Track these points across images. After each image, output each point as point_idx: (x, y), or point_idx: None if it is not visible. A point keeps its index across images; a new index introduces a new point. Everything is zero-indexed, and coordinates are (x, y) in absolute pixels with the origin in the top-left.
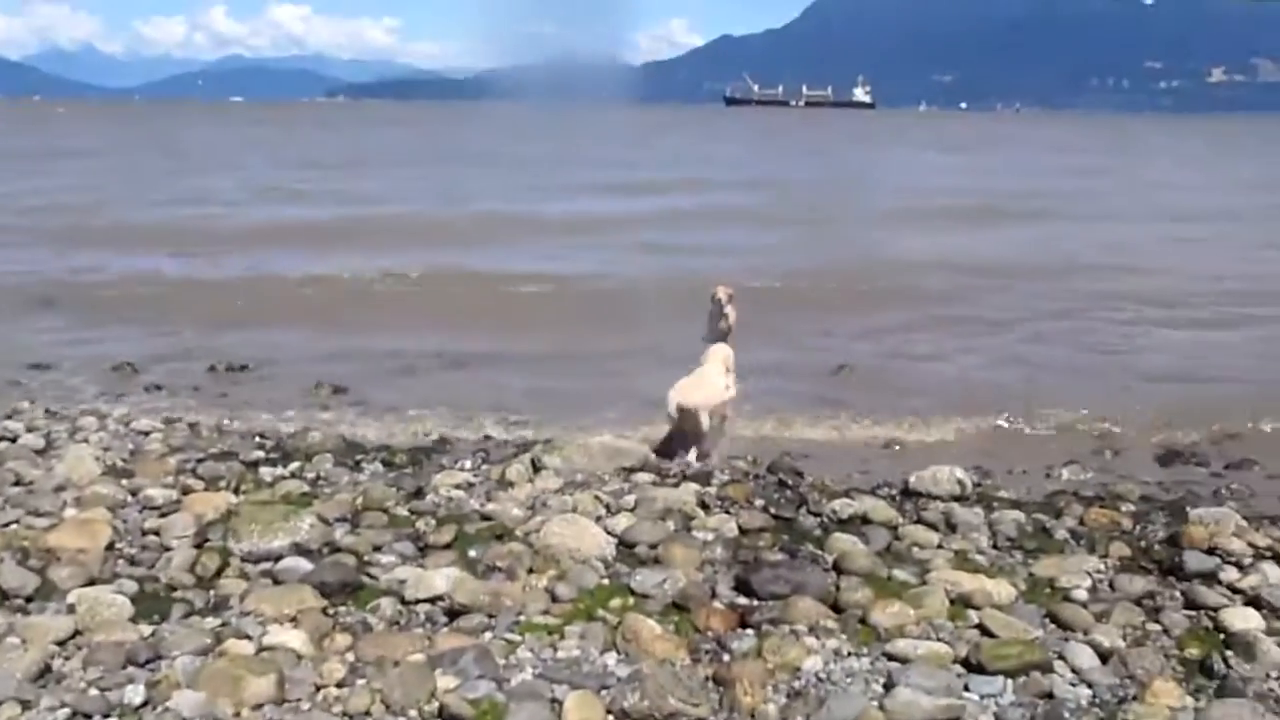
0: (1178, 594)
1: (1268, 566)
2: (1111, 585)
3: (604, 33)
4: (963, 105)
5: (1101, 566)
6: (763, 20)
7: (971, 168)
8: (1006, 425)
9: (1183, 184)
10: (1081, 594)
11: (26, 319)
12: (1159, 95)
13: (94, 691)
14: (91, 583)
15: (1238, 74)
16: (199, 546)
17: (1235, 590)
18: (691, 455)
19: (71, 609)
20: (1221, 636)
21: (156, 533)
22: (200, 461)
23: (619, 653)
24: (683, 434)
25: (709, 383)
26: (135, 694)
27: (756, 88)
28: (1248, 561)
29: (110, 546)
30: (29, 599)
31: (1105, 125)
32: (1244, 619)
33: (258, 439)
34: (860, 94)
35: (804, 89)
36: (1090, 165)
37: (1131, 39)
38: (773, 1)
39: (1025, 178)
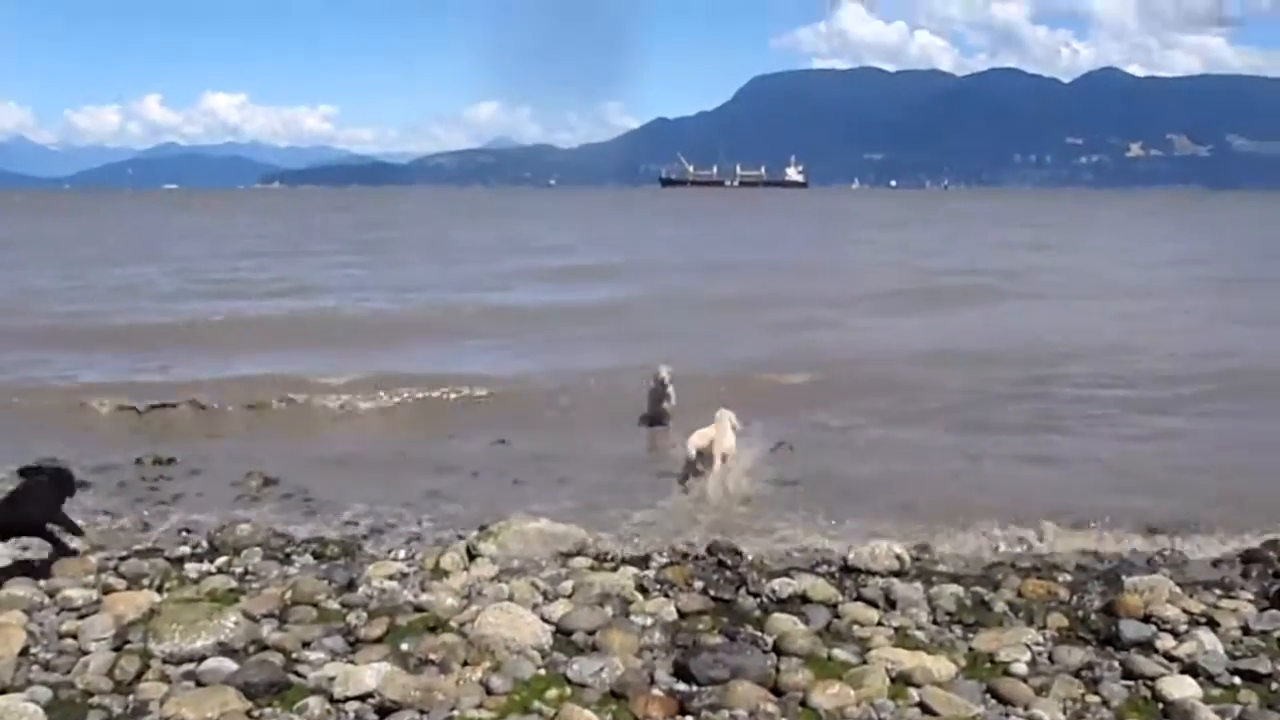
0: (1116, 664)
1: (1202, 633)
2: (1050, 657)
3: (541, 115)
4: (893, 183)
5: (1040, 638)
6: (695, 103)
7: (912, 245)
8: (946, 500)
9: (1116, 259)
10: (1021, 668)
11: None
12: (1080, 170)
13: None
14: (3, 691)
15: (1155, 149)
16: (119, 649)
17: (1171, 658)
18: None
19: None
20: (1160, 706)
21: (74, 635)
22: (123, 559)
23: None
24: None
25: (723, 433)
26: None
27: (692, 168)
28: (1183, 628)
29: (24, 652)
30: None
31: (1032, 200)
32: (1181, 688)
33: (184, 533)
34: (793, 173)
35: (738, 169)
36: (1026, 240)
37: (1052, 117)
38: (705, 85)
39: (966, 255)
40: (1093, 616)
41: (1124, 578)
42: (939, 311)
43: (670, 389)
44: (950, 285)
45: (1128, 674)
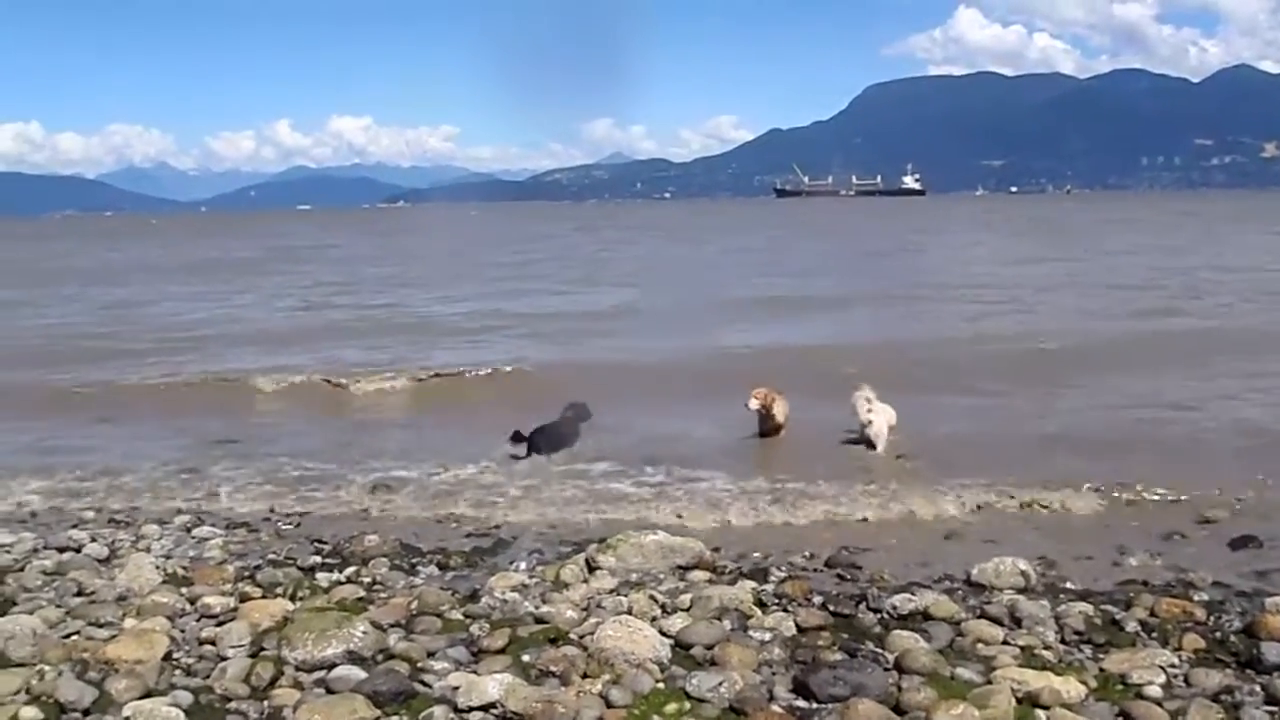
0: (1258, 688)
1: None
2: (1187, 680)
3: (655, 130)
4: (1013, 189)
5: (1175, 660)
6: (809, 113)
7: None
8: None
9: None
10: (1155, 690)
11: (89, 424)
12: (1212, 172)
13: None
14: (148, 695)
15: None
16: (254, 655)
17: None
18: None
19: None
20: None
21: (213, 642)
22: (258, 568)
23: None
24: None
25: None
26: None
27: (806, 179)
28: None
29: (167, 657)
30: (85, 712)
31: (1178, 203)
32: None
33: (315, 543)
34: (910, 182)
35: (853, 179)
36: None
37: (1180, 117)
38: (819, 95)
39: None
40: (1232, 638)
41: (1266, 598)
42: None
43: (775, 409)
44: None
45: (1271, 699)
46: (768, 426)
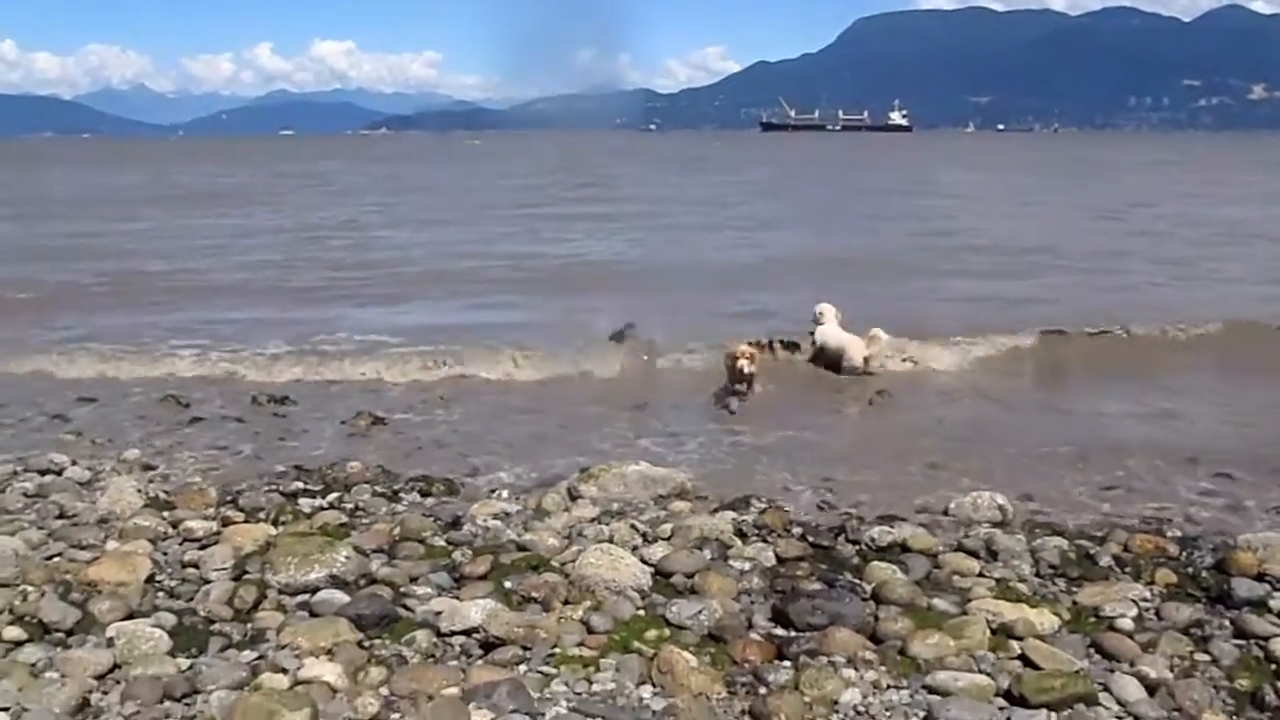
0: (1226, 623)
1: None
2: (1158, 614)
3: (641, 60)
4: (1000, 127)
5: (1148, 594)
6: (797, 46)
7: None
8: (1049, 449)
9: None
10: (1127, 623)
11: (72, 351)
12: (1199, 113)
13: None
14: (131, 616)
15: (1279, 91)
16: (237, 579)
17: None
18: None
19: (111, 643)
20: (1273, 667)
21: (196, 565)
22: (240, 493)
23: (654, 686)
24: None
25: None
26: None
27: (793, 113)
28: None
29: (150, 579)
30: (69, 632)
31: (1168, 145)
32: None
33: (297, 469)
34: (897, 117)
35: (840, 113)
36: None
37: (1170, 57)
38: (808, 28)
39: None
40: (1203, 573)
41: (1237, 535)
42: None
43: (751, 369)
44: None
45: (1239, 633)
46: (745, 388)
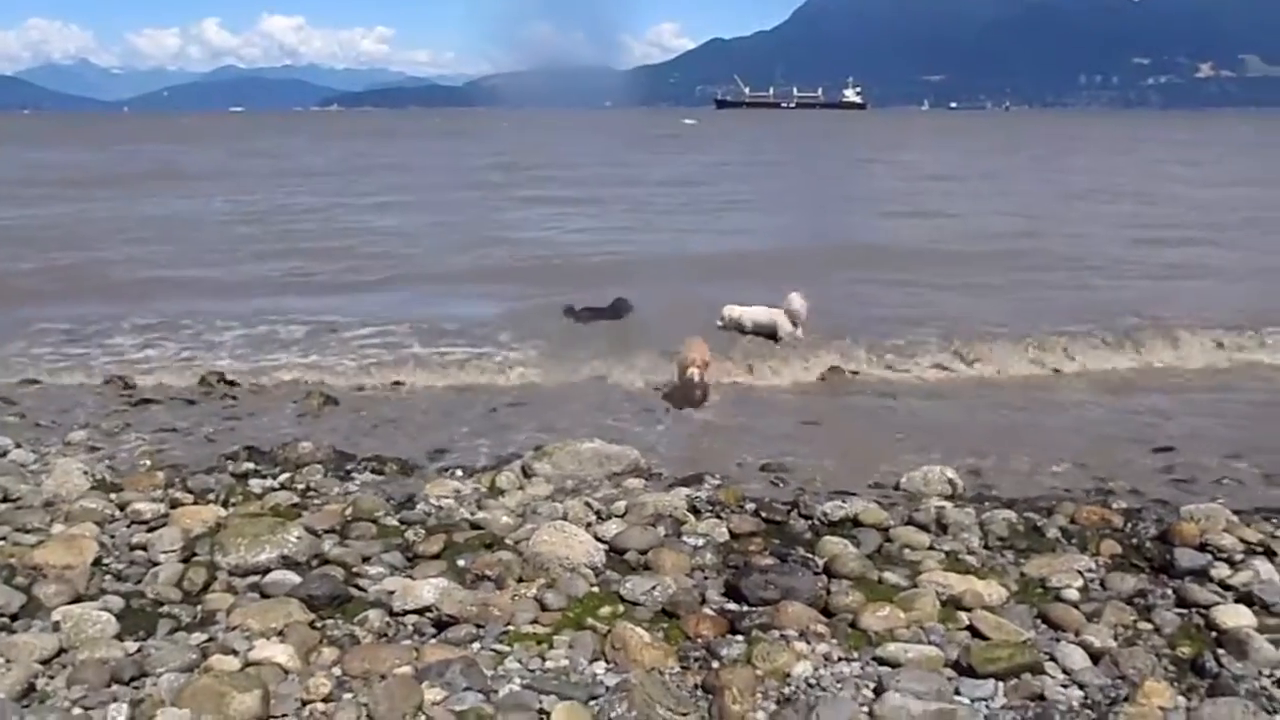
0: (1169, 592)
1: (1259, 562)
2: (1103, 584)
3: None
4: (952, 105)
5: (1093, 565)
6: (752, 23)
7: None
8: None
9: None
10: (1073, 594)
11: (14, 335)
12: (1147, 92)
13: (77, 710)
14: (77, 599)
15: (1225, 70)
16: (186, 561)
17: (1227, 587)
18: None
19: (56, 626)
20: (1213, 635)
21: (144, 547)
22: (190, 475)
23: (608, 662)
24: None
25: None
26: (119, 712)
27: (747, 90)
28: (1239, 557)
29: (97, 562)
30: (14, 617)
31: (1117, 123)
32: (1235, 616)
33: (248, 450)
34: (851, 95)
35: (794, 91)
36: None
37: (1119, 36)
38: (762, 5)
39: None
40: (1147, 544)
41: (1180, 506)
42: None
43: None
44: None
45: (1181, 602)
46: (696, 396)
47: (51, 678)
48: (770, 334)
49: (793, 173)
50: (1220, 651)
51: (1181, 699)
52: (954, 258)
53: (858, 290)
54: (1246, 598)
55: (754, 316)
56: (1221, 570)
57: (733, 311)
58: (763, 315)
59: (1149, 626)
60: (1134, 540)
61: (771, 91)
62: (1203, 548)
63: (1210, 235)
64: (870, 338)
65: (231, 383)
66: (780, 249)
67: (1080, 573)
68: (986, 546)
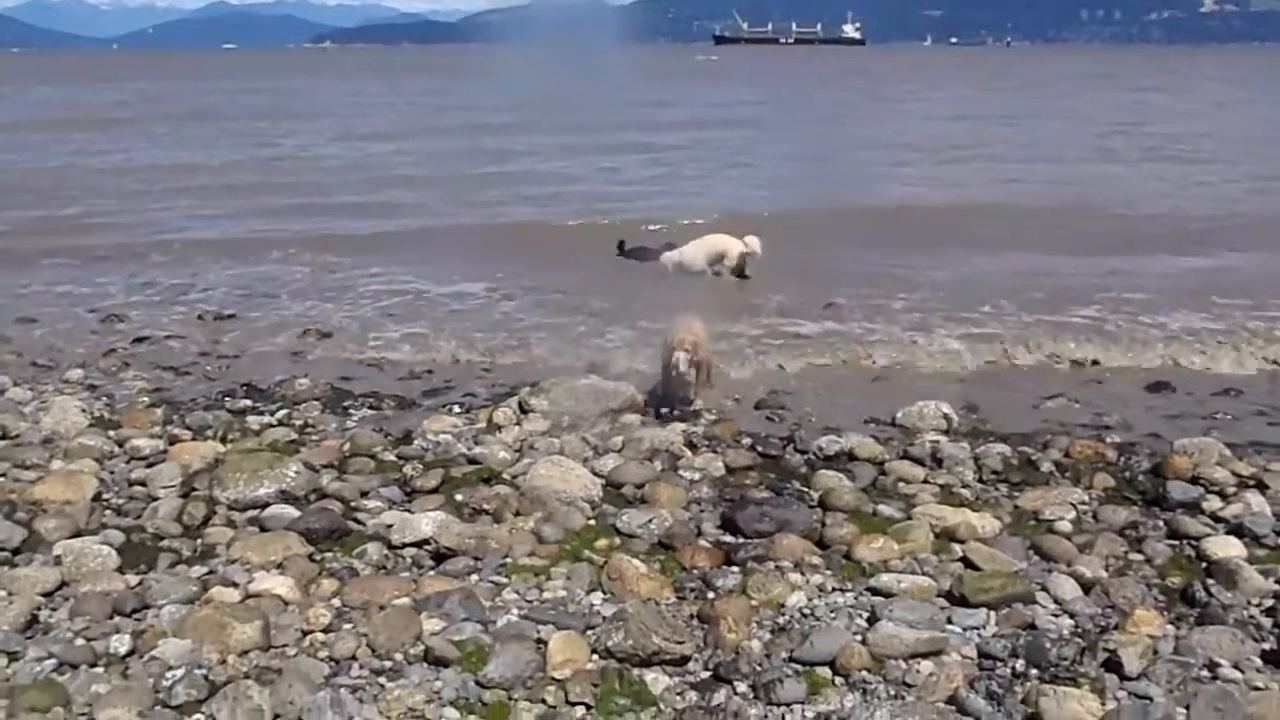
0: (1161, 524)
1: (1250, 495)
2: (1095, 516)
3: None
4: (953, 40)
5: (1086, 498)
6: None
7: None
8: (995, 359)
9: None
10: (1065, 525)
11: (9, 273)
12: (1150, 26)
13: (80, 641)
14: (78, 534)
15: (1229, 4)
16: (185, 496)
17: (1218, 519)
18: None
19: (58, 560)
20: (1204, 565)
21: (143, 483)
22: (187, 411)
23: (604, 592)
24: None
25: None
26: (121, 643)
27: (746, 25)
28: (1231, 490)
29: (97, 498)
30: (15, 551)
31: (1117, 58)
32: (1226, 547)
33: (245, 387)
34: (850, 30)
35: (793, 26)
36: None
37: None
38: None
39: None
40: (1140, 477)
41: (1173, 440)
42: None
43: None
44: None
45: (1172, 534)
46: (686, 386)
47: (54, 610)
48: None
49: (860, 117)
50: (1210, 581)
51: (1171, 627)
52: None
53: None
54: (1237, 529)
55: (707, 245)
56: (1213, 503)
57: (673, 256)
58: (713, 245)
59: (1140, 557)
60: (1127, 474)
61: (770, 27)
62: (1195, 481)
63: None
64: None
65: (229, 317)
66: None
67: (1073, 505)
68: (981, 480)
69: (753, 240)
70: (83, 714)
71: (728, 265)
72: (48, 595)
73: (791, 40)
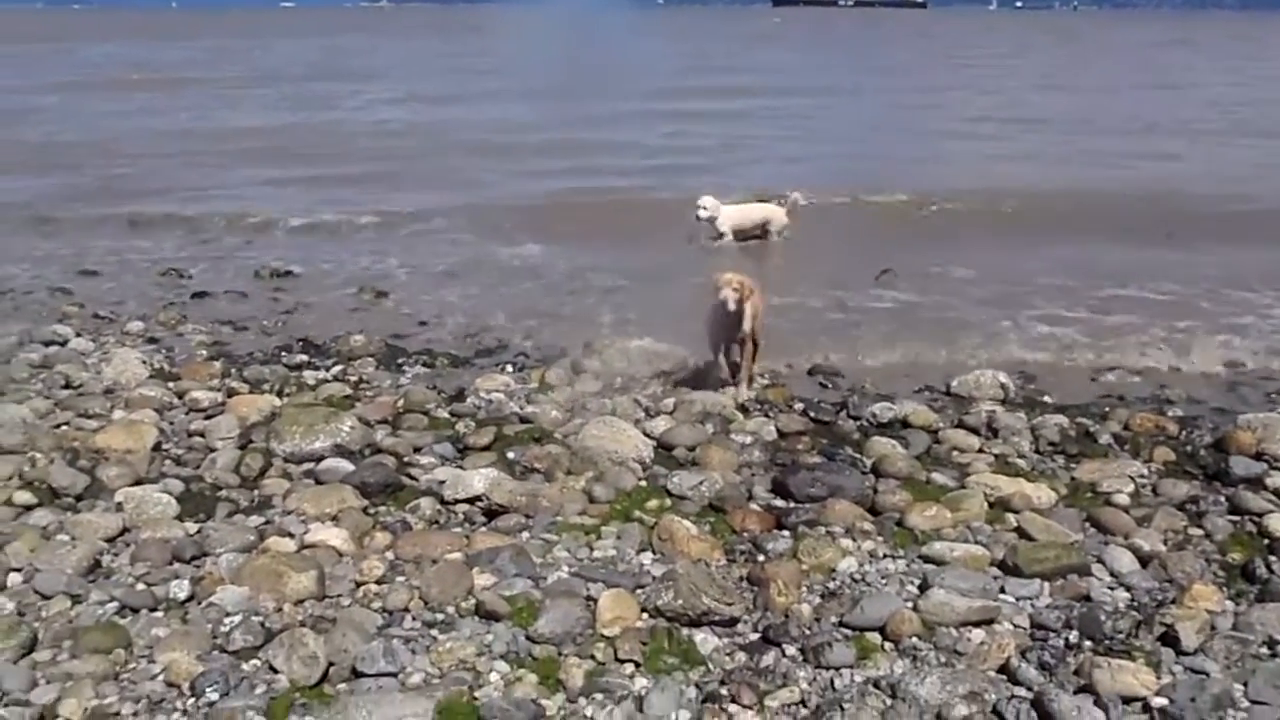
0: (1222, 499)
1: None
2: (1154, 490)
3: None
4: (1018, 4)
5: (1145, 471)
6: None
7: None
8: (1053, 328)
9: None
10: (1123, 498)
11: (74, 229)
12: None
13: (141, 586)
14: (139, 482)
15: None
16: (243, 448)
17: None
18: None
19: (119, 507)
20: (1265, 542)
21: (202, 434)
22: (245, 365)
23: (654, 553)
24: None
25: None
26: (180, 589)
27: None
28: None
29: (157, 447)
30: (79, 498)
31: (1190, 25)
32: None
33: (301, 343)
34: None
35: None
36: None
37: None
38: None
39: None
40: (1202, 452)
41: (1238, 415)
42: None
43: (744, 305)
44: None
45: (1234, 509)
46: (737, 337)
47: (115, 555)
48: (758, 234)
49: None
50: (1272, 558)
51: (1229, 603)
52: None
53: None
54: None
55: (747, 211)
56: (1277, 479)
57: (708, 207)
58: (755, 211)
59: (1200, 532)
60: (1188, 448)
61: None
62: (1259, 456)
63: None
64: None
65: (286, 273)
66: None
67: (1132, 478)
68: (1037, 450)
69: (796, 195)
70: (143, 656)
71: (773, 230)
72: (110, 541)
73: (851, 3)
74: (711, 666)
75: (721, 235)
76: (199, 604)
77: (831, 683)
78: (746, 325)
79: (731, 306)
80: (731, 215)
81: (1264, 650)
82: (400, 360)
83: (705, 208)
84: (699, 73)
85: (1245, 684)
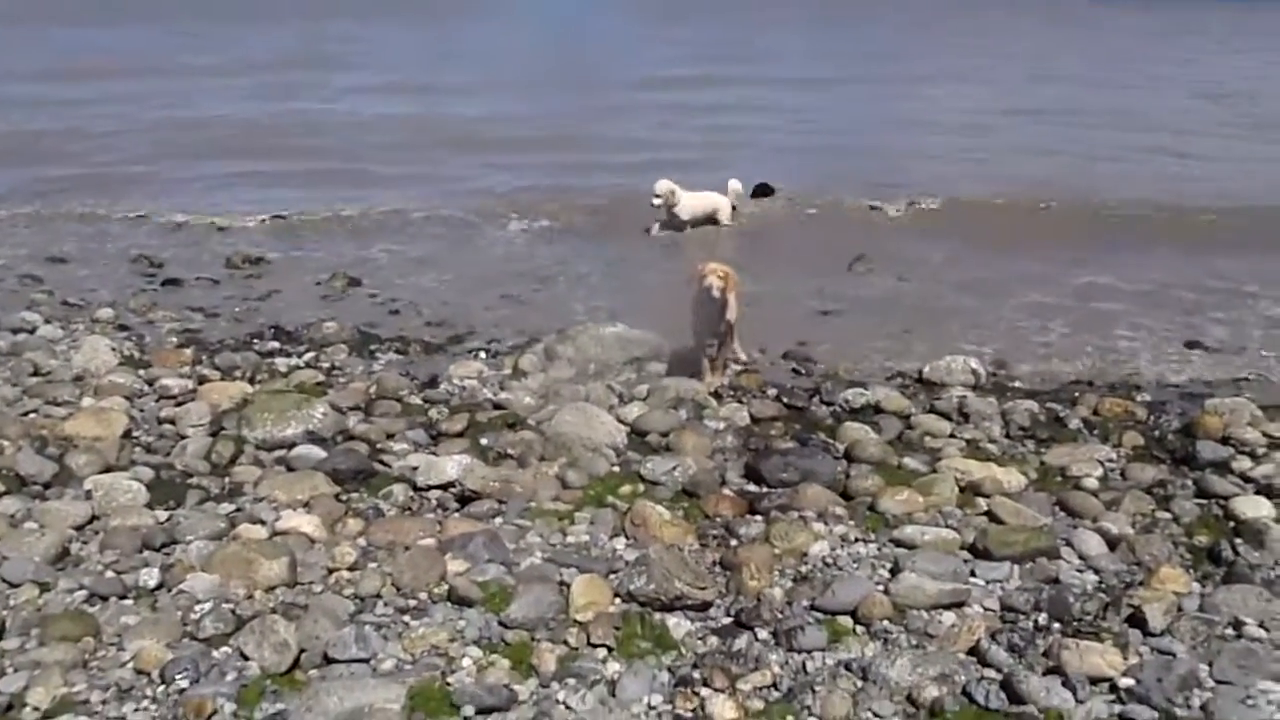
0: (1189, 483)
1: None
2: (1123, 474)
3: None
4: None
5: (1114, 455)
6: None
7: None
8: (1021, 316)
9: None
10: (1092, 482)
11: (44, 215)
12: None
13: (110, 574)
14: (108, 470)
15: None
16: (214, 435)
17: (1247, 479)
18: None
19: (89, 495)
20: (1231, 524)
21: (172, 421)
22: (216, 352)
23: (627, 538)
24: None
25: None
26: (150, 577)
27: None
28: (1261, 451)
29: (126, 435)
30: (47, 485)
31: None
32: (1255, 507)
33: (273, 330)
34: None
35: None
36: None
37: None
38: None
39: None
40: (1169, 436)
41: (1205, 400)
42: None
43: (729, 296)
44: None
45: (1201, 493)
46: (720, 327)
47: (85, 543)
48: (709, 221)
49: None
50: (1237, 541)
51: (1196, 585)
52: None
53: None
54: (1267, 489)
55: (698, 200)
56: (1243, 463)
57: (668, 192)
58: (703, 200)
59: (1167, 515)
60: (1156, 432)
61: None
62: (1225, 441)
63: None
64: None
65: (257, 260)
66: None
67: (1101, 462)
68: (1008, 435)
69: (735, 184)
70: (112, 643)
71: (722, 219)
72: (79, 528)
73: None
74: (684, 651)
75: (683, 222)
76: (169, 591)
77: (803, 666)
78: (731, 314)
79: (716, 295)
80: (689, 203)
81: (1229, 631)
82: (373, 347)
83: (659, 195)
84: (695, 61)
85: (1211, 664)
